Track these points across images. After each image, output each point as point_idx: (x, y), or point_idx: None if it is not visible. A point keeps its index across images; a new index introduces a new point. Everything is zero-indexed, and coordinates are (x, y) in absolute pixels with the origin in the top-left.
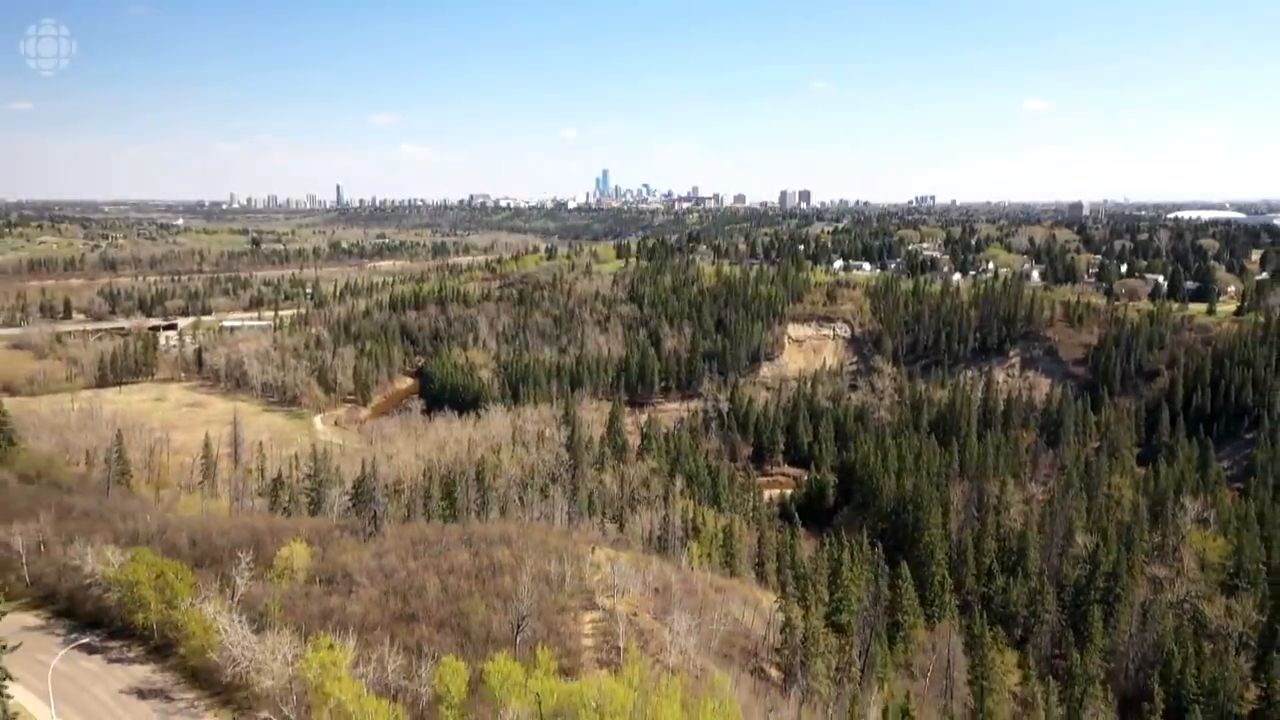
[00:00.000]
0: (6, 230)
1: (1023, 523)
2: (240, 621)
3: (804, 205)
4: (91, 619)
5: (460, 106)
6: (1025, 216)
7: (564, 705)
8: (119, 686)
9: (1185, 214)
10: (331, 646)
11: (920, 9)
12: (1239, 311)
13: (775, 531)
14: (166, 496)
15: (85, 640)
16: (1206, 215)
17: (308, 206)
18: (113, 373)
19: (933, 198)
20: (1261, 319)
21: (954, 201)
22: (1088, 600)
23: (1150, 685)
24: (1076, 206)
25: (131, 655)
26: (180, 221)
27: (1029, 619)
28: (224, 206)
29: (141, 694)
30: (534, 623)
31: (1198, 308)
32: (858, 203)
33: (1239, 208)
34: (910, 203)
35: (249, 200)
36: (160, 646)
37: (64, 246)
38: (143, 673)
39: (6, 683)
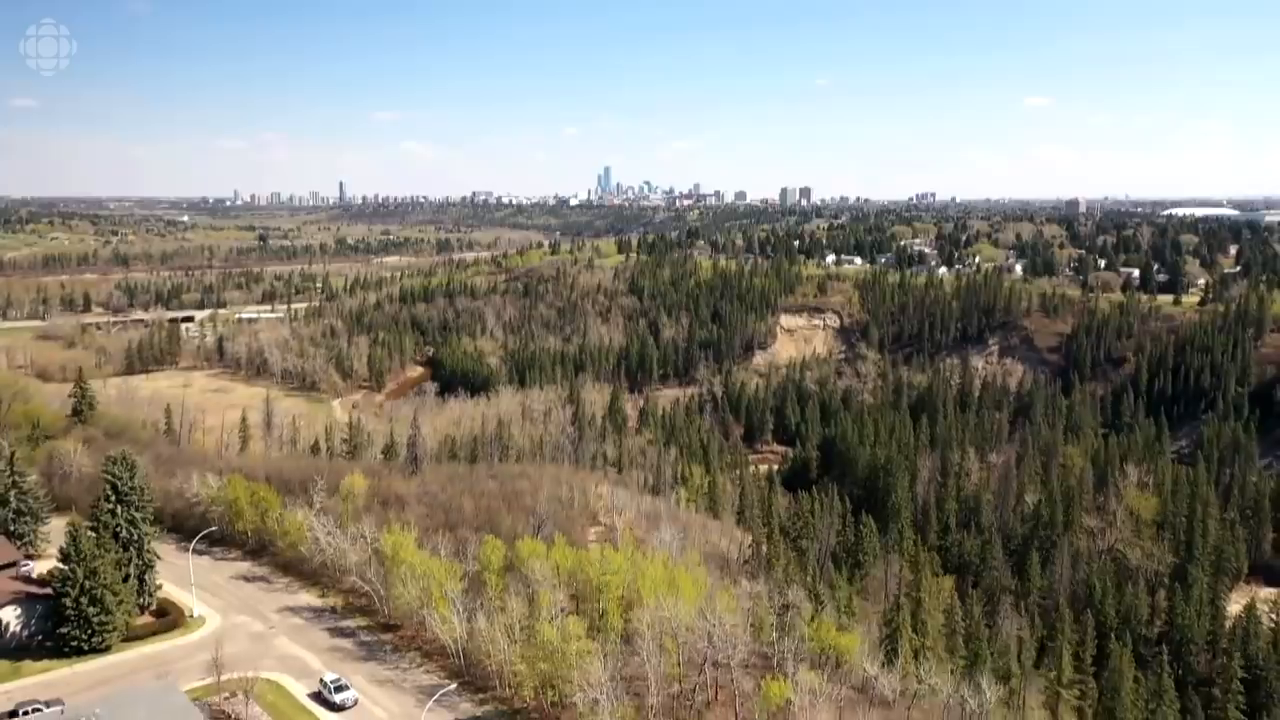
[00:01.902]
0: (19, 227)
1: (980, 485)
2: (325, 522)
3: (804, 202)
4: (193, 532)
5: (462, 104)
6: (1023, 213)
7: (575, 567)
8: (228, 575)
9: (1180, 211)
10: (399, 531)
11: (921, 6)
12: (1203, 302)
13: (756, 488)
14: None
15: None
16: (1200, 212)
17: (311, 203)
18: (139, 361)
19: (933, 195)
20: (1222, 309)
21: (954, 199)
22: (1029, 548)
23: (1074, 613)
24: (1073, 203)
25: (232, 555)
26: (186, 218)
27: (979, 566)
28: (228, 203)
29: (247, 579)
30: (550, 527)
31: (1165, 299)
32: (858, 200)
33: (1238, 204)
34: (910, 200)
35: (253, 197)
36: (254, 550)
37: (75, 243)
38: (244, 566)
39: (155, 559)
